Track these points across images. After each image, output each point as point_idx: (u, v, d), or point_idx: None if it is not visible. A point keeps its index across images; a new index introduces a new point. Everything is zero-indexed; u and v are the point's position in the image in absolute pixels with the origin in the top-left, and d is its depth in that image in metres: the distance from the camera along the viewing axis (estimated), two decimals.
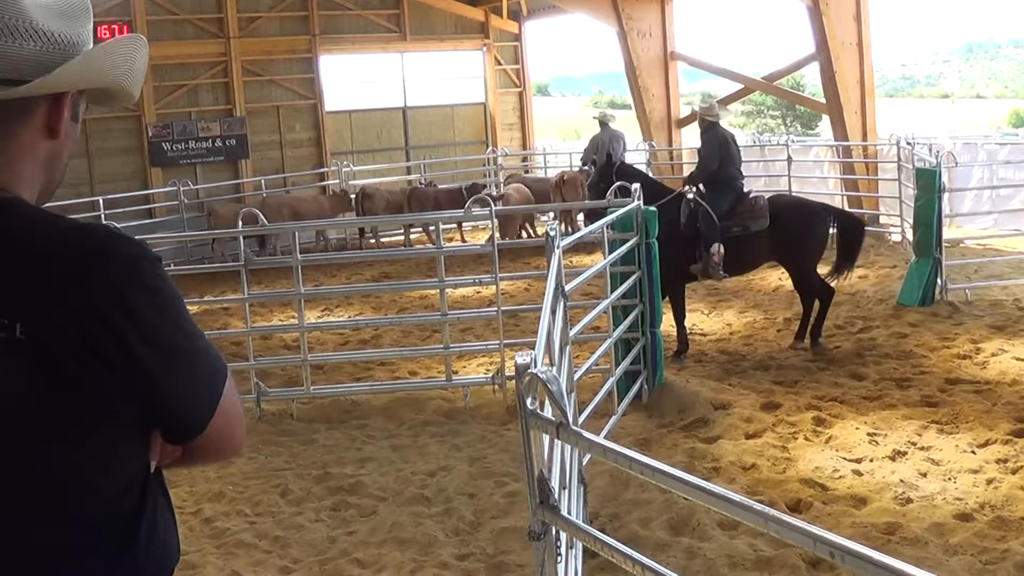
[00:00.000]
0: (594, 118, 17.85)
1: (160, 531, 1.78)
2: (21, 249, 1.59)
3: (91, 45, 1.74)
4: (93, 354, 1.59)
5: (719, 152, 10.12)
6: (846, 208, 14.39)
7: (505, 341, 9.08)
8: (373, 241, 19.66)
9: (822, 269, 10.32)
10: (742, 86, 21.31)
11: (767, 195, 10.64)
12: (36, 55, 1.64)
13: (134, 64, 1.80)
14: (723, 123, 10.50)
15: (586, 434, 2.98)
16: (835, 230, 10.21)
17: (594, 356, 7.66)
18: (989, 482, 6.36)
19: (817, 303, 10.04)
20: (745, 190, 10.31)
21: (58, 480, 1.64)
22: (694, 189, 10.24)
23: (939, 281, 11.45)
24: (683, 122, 21.70)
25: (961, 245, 14.54)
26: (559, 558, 3.21)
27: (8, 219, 1.62)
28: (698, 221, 9.98)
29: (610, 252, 7.99)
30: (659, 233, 9.70)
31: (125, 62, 1.78)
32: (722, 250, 9.90)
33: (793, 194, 14.76)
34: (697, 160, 10.78)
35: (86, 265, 1.59)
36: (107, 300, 1.59)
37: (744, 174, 10.47)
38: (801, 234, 9.91)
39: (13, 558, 1.62)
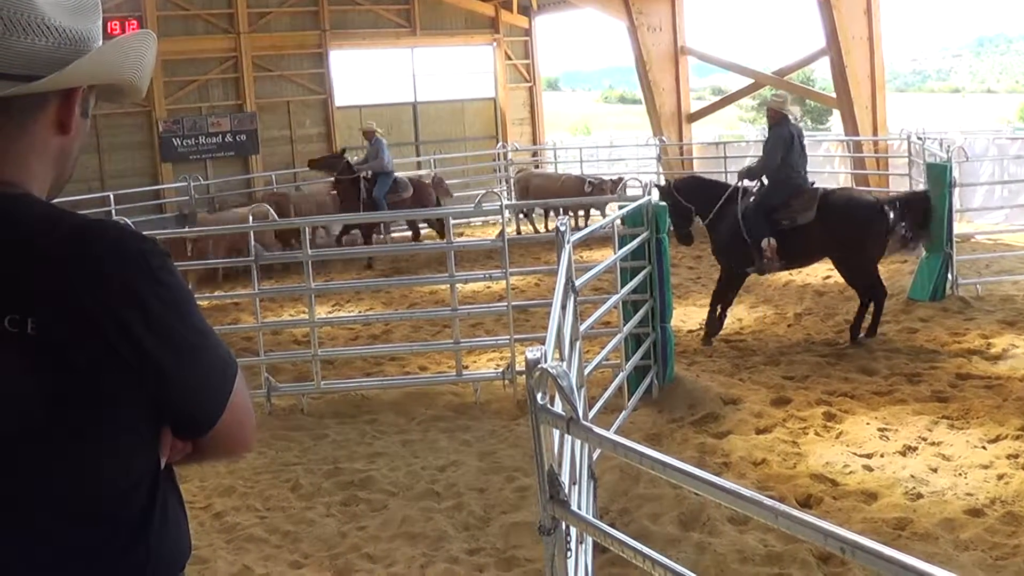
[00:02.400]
0: (362, 130, 17.82)
1: (171, 528, 1.78)
2: (31, 245, 1.59)
3: (101, 41, 1.74)
4: (103, 349, 1.59)
5: (782, 148, 10.01)
6: None
7: (515, 336, 9.07)
8: (383, 237, 19.65)
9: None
10: (752, 81, 21.28)
11: (828, 189, 10.50)
12: (48, 51, 1.64)
13: (144, 60, 1.80)
14: (792, 118, 10.38)
15: (596, 429, 2.98)
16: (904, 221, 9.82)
17: (604, 351, 7.64)
18: (1000, 477, 6.34)
19: (871, 303, 9.93)
20: (808, 184, 10.17)
21: (67, 476, 1.64)
22: (753, 184, 10.22)
23: (950, 276, 11.41)
24: (693, 117, 21.67)
25: (972, 240, 14.47)
26: (569, 553, 3.21)
27: (18, 215, 1.62)
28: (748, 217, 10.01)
29: (620, 247, 7.99)
30: (722, 233, 9.99)
31: (136, 58, 1.78)
32: (774, 243, 9.89)
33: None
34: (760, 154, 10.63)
35: (96, 261, 1.60)
36: (117, 296, 1.59)
37: (803, 170, 10.23)
38: (845, 229, 9.71)
39: (20, 556, 1.62)
